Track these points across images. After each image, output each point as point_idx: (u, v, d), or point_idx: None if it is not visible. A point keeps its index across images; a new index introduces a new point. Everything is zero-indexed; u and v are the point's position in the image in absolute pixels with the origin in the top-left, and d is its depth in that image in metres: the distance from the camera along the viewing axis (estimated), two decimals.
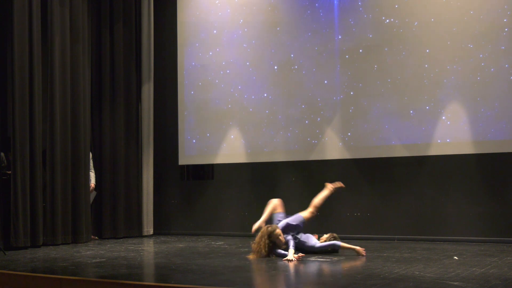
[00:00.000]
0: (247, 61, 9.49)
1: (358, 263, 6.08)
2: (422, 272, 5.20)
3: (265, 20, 9.38)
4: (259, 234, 6.56)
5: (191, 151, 9.91)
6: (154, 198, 9.88)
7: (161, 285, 4.81)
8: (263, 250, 6.42)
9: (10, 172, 7.88)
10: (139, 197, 9.71)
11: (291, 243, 6.45)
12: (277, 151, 9.20)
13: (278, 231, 6.50)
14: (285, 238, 6.54)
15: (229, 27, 9.67)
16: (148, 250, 7.74)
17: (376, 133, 8.49)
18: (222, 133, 9.62)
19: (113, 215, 9.34)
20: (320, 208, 7.11)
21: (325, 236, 6.90)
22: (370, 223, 8.46)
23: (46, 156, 8.32)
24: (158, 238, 9.40)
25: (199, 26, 9.93)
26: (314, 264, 5.99)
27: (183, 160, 9.97)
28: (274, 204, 7.08)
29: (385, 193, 8.44)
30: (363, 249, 6.54)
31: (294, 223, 6.75)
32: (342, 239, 6.88)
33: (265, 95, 9.32)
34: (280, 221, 6.83)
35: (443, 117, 8.11)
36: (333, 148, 8.77)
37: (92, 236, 9.01)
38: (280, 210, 7.04)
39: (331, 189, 7.17)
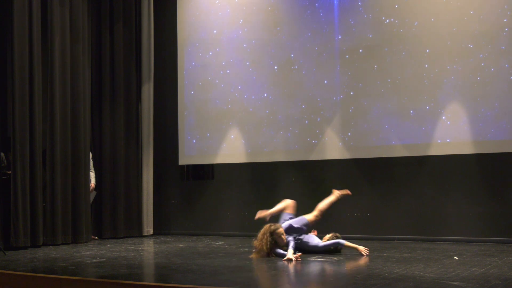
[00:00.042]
0: (247, 61, 9.49)
1: (358, 263, 6.08)
2: (422, 272, 5.20)
3: (265, 20, 9.38)
4: (262, 231, 6.59)
5: (191, 151, 9.91)
6: (154, 198, 9.88)
7: (161, 285, 4.82)
8: (264, 248, 6.44)
9: (10, 172, 7.88)
10: (139, 197, 9.71)
11: (292, 243, 6.46)
12: (277, 151, 9.20)
13: (281, 230, 6.52)
14: (286, 239, 6.55)
15: (229, 27, 9.67)
16: (148, 250, 7.74)
17: (376, 133, 8.49)
18: (222, 133, 9.62)
19: (113, 215, 9.34)
20: (325, 213, 7.11)
21: (328, 236, 6.90)
22: (370, 223, 8.46)
23: (46, 156, 8.32)
24: (158, 238, 9.41)
25: (199, 26, 9.93)
26: (314, 264, 5.99)
27: (183, 160, 9.97)
28: (287, 203, 7.13)
29: (385, 193, 8.44)
30: (367, 249, 6.56)
31: (296, 226, 6.76)
32: (343, 239, 6.87)
33: (265, 95, 9.32)
34: (285, 221, 6.85)
35: (443, 117, 8.11)
36: (333, 148, 8.77)
37: (92, 236, 9.01)
38: (290, 211, 7.07)
39: (338, 195, 7.20)
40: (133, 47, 9.81)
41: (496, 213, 7.77)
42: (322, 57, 8.92)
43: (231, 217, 9.53)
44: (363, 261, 6.18)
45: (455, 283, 4.61)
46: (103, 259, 6.55)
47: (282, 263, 6.06)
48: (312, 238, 6.79)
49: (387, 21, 8.51)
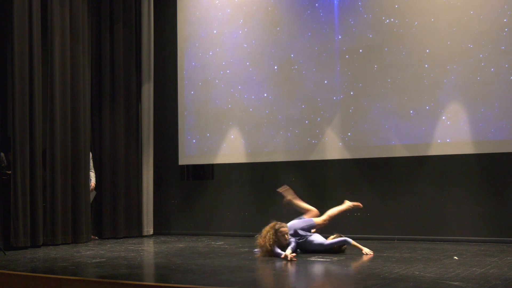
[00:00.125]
0: (247, 61, 9.49)
1: (359, 263, 6.08)
2: (422, 272, 5.20)
3: (265, 20, 9.38)
4: (266, 228, 6.63)
5: (191, 151, 9.91)
6: (154, 198, 9.88)
7: (161, 285, 4.81)
8: (267, 244, 6.45)
9: (10, 172, 7.88)
10: (139, 197, 9.71)
11: (292, 244, 6.49)
12: (277, 151, 9.20)
13: (285, 229, 6.55)
14: (289, 239, 6.56)
15: (229, 27, 9.67)
16: (148, 250, 7.74)
17: (376, 133, 8.49)
18: (222, 133, 9.62)
19: (113, 215, 9.34)
20: (333, 220, 7.17)
21: (332, 237, 6.92)
22: (370, 223, 8.46)
23: (46, 156, 8.32)
24: (158, 238, 9.41)
25: (199, 26, 9.93)
26: (314, 264, 5.99)
27: (183, 160, 9.97)
28: (312, 211, 7.16)
29: (385, 193, 8.44)
30: (372, 252, 6.59)
31: (302, 233, 6.78)
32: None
33: (265, 95, 9.32)
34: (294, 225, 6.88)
35: (443, 117, 8.11)
36: (333, 148, 8.77)
37: (92, 236, 9.01)
38: (308, 217, 7.08)
39: (350, 206, 7.24)
40: (133, 47, 9.81)
41: (496, 213, 7.77)
42: (322, 57, 8.92)
43: (231, 217, 9.54)
44: (363, 261, 6.18)
45: (455, 283, 4.61)
46: (103, 259, 6.55)
47: (282, 263, 6.06)
48: (317, 237, 6.82)
49: (387, 21, 8.51)
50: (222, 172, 9.66)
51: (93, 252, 7.37)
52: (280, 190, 7.40)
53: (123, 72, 9.63)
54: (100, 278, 5.24)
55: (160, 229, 9.95)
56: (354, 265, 5.97)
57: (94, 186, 9.10)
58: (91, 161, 9.10)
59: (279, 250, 6.41)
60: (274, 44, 9.29)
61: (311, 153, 8.94)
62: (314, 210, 7.20)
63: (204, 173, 9.86)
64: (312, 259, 6.31)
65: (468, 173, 7.98)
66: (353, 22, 8.73)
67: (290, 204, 7.34)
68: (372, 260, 6.18)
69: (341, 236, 6.84)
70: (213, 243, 8.35)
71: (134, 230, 9.56)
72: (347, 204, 7.24)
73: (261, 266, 6.01)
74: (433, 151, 8.15)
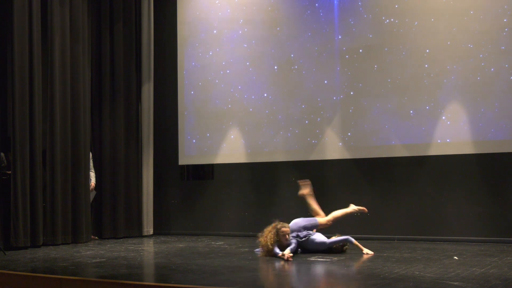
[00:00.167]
0: (247, 61, 9.49)
1: (358, 263, 6.08)
2: (422, 272, 5.20)
3: (265, 20, 9.38)
4: (269, 228, 6.65)
5: (191, 151, 9.91)
6: (154, 198, 9.88)
7: (161, 285, 4.82)
8: (269, 243, 6.47)
9: (10, 172, 7.88)
10: (139, 197, 9.71)
11: (292, 246, 6.51)
12: (277, 151, 9.20)
13: (286, 230, 6.58)
14: (290, 240, 6.57)
15: (229, 27, 9.67)
16: (148, 250, 7.74)
17: (376, 133, 8.49)
18: (222, 133, 9.62)
19: (113, 215, 9.34)
20: (337, 222, 7.20)
21: (333, 237, 6.93)
22: (370, 223, 8.46)
23: (46, 156, 8.32)
24: (158, 238, 9.40)
25: (199, 26, 9.93)
26: (314, 264, 5.99)
27: (183, 160, 9.97)
28: (320, 216, 7.16)
29: (385, 193, 8.45)
30: (372, 253, 6.60)
31: (304, 232, 6.79)
32: None
33: (265, 95, 9.32)
34: (298, 224, 6.90)
35: (443, 117, 8.11)
36: (333, 148, 8.77)
37: (92, 236, 9.01)
38: (317, 217, 7.10)
39: (355, 210, 7.27)
40: (133, 47, 9.81)
41: (496, 213, 7.77)
42: (322, 57, 8.92)
43: (231, 217, 9.54)
44: (363, 261, 6.18)
45: (455, 283, 4.61)
46: (103, 259, 6.55)
47: (282, 263, 6.06)
48: (319, 236, 6.84)
49: (387, 21, 8.51)
50: (222, 172, 9.66)
51: (93, 252, 7.37)
52: (300, 182, 7.38)
53: (123, 72, 9.63)
54: (100, 278, 5.24)
55: (160, 229, 9.95)
56: (354, 265, 5.97)
57: (94, 186, 9.10)
58: (91, 161, 9.10)
59: (277, 250, 6.42)
60: (274, 44, 9.29)
61: (311, 153, 8.94)
62: (322, 214, 7.23)
63: (204, 173, 9.86)
64: (312, 259, 6.31)
65: (468, 173, 7.98)
66: (353, 22, 8.73)
67: (304, 198, 7.33)
68: (372, 260, 6.18)
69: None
70: (213, 243, 8.35)
71: (134, 230, 9.56)
72: (352, 207, 7.27)
73: (261, 266, 6.01)
74: (433, 151, 8.15)
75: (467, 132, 7.96)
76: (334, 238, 6.77)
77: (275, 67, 9.26)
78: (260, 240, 6.64)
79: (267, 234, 6.56)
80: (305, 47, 9.03)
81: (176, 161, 10.02)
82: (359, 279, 5.13)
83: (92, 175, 9.11)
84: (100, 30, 9.54)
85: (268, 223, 6.83)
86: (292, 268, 5.78)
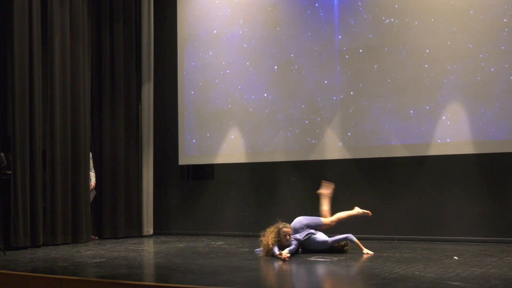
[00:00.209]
0: (247, 61, 9.49)
1: (358, 263, 6.08)
2: (422, 272, 5.20)
3: (265, 20, 9.38)
4: (271, 228, 6.67)
5: (191, 151, 9.91)
6: (154, 198, 9.88)
7: (161, 285, 4.82)
8: (269, 242, 6.50)
9: (10, 172, 7.88)
10: (139, 197, 9.71)
11: (292, 247, 6.53)
12: (277, 151, 9.20)
13: (287, 230, 6.59)
14: (290, 241, 6.58)
15: (229, 27, 9.67)
16: (148, 250, 7.74)
17: (376, 133, 8.49)
18: (222, 133, 9.62)
19: (113, 215, 9.34)
20: (340, 223, 7.21)
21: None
22: (370, 223, 8.45)
23: (46, 156, 8.32)
24: (158, 238, 9.40)
25: (199, 26, 9.93)
26: (315, 264, 5.99)
27: (183, 160, 9.97)
28: (327, 220, 7.16)
29: (385, 193, 8.45)
30: (372, 253, 6.61)
31: (306, 231, 6.80)
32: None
33: (265, 95, 9.32)
34: (302, 223, 6.92)
35: (443, 117, 8.11)
36: (333, 148, 8.77)
37: (92, 236, 9.01)
38: (322, 220, 7.11)
39: (359, 213, 7.28)
40: (133, 47, 9.81)
41: (496, 213, 7.77)
42: (322, 57, 8.92)
43: (231, 217, 9.54)
44: (363, 261, 6.18)
45: (455, 283, 4.61)
46: (103, 259, 6.55)
47: (278, 263, 6.07)
48: (321, 235, 6.87)
49: (387, 21, 8.51)
50: (222, 172, 9.66)
51: (93, 252, 7.37)
52: (325, 182, 7.39)
53: (123, 72, 9.63)
54: (100, 278, 5.24)
55: (160, 229, 9.95)
56: (354, 265, 5.97)
57: (94, 185, 9.10)
58: (91, 161, 9.10)
59: (276, 250, 6.43)
60: (274, 44, 9.29)
61: (311, 153, 8.94)
62: (328, 216, 7.21)
63: (204, 173, 9.86)
64: (312, 259, 6.32)
65: (468, 173, 7.98)
66: (353, 22, 8.73)
67: (320, 197, 7.37)
68: (372, 260, 6.18)
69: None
70: (213, 243, 8.35)
71: (134, 230, 9.56)
72: (356, 210, 7.29)
73: (261, 266, 6.01)
74: (433, 151, 8.15)
75: (467, 132, 7.96)
76: (335, 237, 6.79)
77: (275, 67, 9.26)
78: (261, 239, 6.65)
79: (269, 234, 6.58)
80: (305, 47, 9.03)
81: (176, 161, 10.02)
82: (359, 279, 5.13)
83: (92, 175, 9.11)
84: (100, 30, 9.54)
85: (268, 223, 6.83)
86: (292, 268, 5.79)
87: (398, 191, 8.38)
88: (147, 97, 9.91)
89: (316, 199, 8.59)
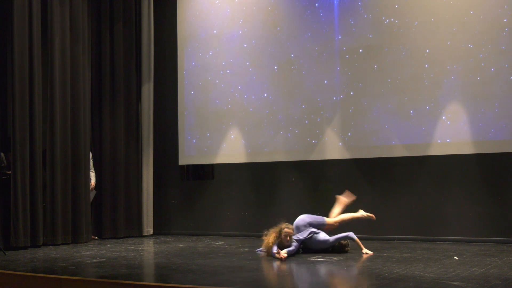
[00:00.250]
0: (247, 61, 9.49)
1: (358, 263, 6.08)
2: (422, 272, 5.20)
3: (265, 20, 9.38)
4: (275, 227, 6.68)
5: (191, 151, 9.91)
6: (154, 198, 9.88)
7: (161, 285, 4.82)
8: (270, 242, 6.52)
9: (10, 172, 7.88)
10: (139, 197, 9.71)
11: (291, 249, 6.54)
12: (277, 151, 9.20)
13: (288, 231, 6.60)
14: (291, 243, 6.58)
15: (229, 27, 9.67)
16: (148, 250, 7.74)
17: (376, 133, 8.49)
18: (222, 133, 9.62)
19: (113, 215, 9.34)
20: (342, 225, 7.21)
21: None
22: (370, 223, 8.43)
23: (46, 156, 8.32)
24: (158, 238, 9.40)
25: (199, 26, 9.93)
26: (315, 264, 5.99)
27: (183, 160, 9.97)
28: (330, 220, 7.15)
29: (385, 193, 8.44)
30: (372, 252, 6.63)
31: (309, 229, 6.82)
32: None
33: (265, 95, 9.32)
34: (305, 222, 6.93)
35: (443, 117, 8.11)
36: (333, 148, 8.77)
37: (92, 236, 9.01)
38: (327, 219, 7.12)
39: (363, 216, 7.26)
40: (133, 47, 9.81)
41: (496, 213, 7.77)
42: (322, 57, 8.92)
43: (231, 217, 9.53)
44: (363, 261, 6.18)
45: (455, 283, 4.61)
46: (103, 259, 6.55)
47: (282, 263, 6.07)
48: (323, 234, 6.89)
49: (387, 21, 8.51)
50: (222, 172, 9.66)
51: (93, 252, 7.37)
52: (349, 193, 7.36)
53: (123, 72, 9.63)
54: (100, 278, 5.24)
55: (160, 229, 9.95)
56: (354, 265, 5.97)
57: (94, 185, 9.10)
58: (91, 161, 9.10)
59: (275, 249, 6.43)
60: (274, 44, 9.29)
61: (311, 153, 8.94)
62: (333, 218, 7.20)
63: (204, 173, 9.86)
64: (312, 259, 6.32)
65: (468, 173, 7.98)
66: (353, 22, 8.73)
67: (337, 201, 7.36)
68: (372, 260, 6.18)
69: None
70: (213, 243, 8.35)
71: (134, 230, 9.56)
72: (361, 213, 7.28)
73: (261, 266, 6.01)
74: (433, 151, 8.15)
75: (467, 132, 7.96)
76: (336, 236, 6.80)
77: (275, 67, 9.26)
78: (263, 238, 6.67)
79: (271, 234, 6.60)
80: (305, 47, 9.03)
81: (176, 161, 10.02)
82: (359, 279, 5.13)
83: (92, 175, 9.12)
84: (100, 30, 9.54)
85: (268, 223, 6.85)
86: (292, 268, 5.79)
87: (398, 191, 8.38)
88: (147, 97, 9.91)
89: (316, 199, 8.62)
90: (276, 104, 9.22)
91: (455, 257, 6.21)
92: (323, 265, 5.91)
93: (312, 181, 8.95)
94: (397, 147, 8.37)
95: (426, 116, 8.20)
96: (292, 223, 6.85)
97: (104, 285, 5.01)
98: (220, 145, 9.63)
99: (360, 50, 8.65)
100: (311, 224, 6.93)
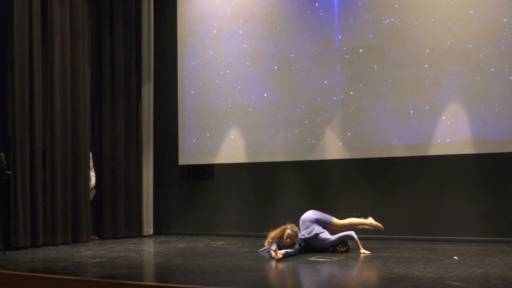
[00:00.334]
0: (247, 61, 9.49)
1: (358, 263, 6.08)
2: (422, 272, 5.20)
3: (265, 20, 9.38)
4: (281, 226, 6.71)
5: (191, 151, 9.91)
6: (154, 198, 9.88)
7: (161, 285, 4.82)
8: (271, 237, 6.57)
9: (10, 172, 7.88)
10: (139, 197, 9.70)
11: (290, 251, 6.54)
12: (277, 151, 9.20)
13: (291, 233, 6.60)
14: (291, 245, 6.60)
15: (229, 27, 9.67)
16: (148, 250, 7.74)
17: (376, 133, 8.49)
18: (222, 133, 9.62)
19: (113, 215, 9.34)
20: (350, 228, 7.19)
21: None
22: (365, 218, 8.45)
23: (46, 156, 8.32)
24: (158, 238, 9.40)
25: (199, 26, 9.93)
26: (314, 264, 5.99)
27: (183, 160, 9.97)
28: (338, 221, 7.15)
29: (385, 193, 8.44)
30: (369, 252, 6.65)
31: (313, 226, 6.87)
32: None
33: (265, 95, 9.32)
34: (311, 223, 6.94)
35: (443, 117, 8.11)
36: (333, 148, 8.77)
37: (92, 236, 9.01)
38: (334, 221, 7.11)
39: (372, 225, 7.23)
40: (133, 47, 9.81)
41: (496, 213, 7.77)
42: (322, 57, 8.92)
43: (231, 217, 9.53)
44: (363, 261, 6.18)
45: (455, 283, 4.61)
46: (103, 259, 6.55)
47: (282, 263, 6.07)
48: (326, 234, 6.90)
49: (387, 21, 8.51)
50: (222, 172, 9.66)
51: (93, 252, 7.37)
52: (378, 224, 7.27)
53: (123, 72, 9.63)
54: (100, 278, 5.24)
55: (160, 229, 9.95)
56: (354, 265, 5.97)
57: (94, 184, 9.11)
58: (91, 161, 9.10)
59: (274, 246, 6.44)
60: (274, 44, 9.29)
61: (311, 153, 8.94)
62: (341, 221, 7.20)
63: (204, 173, 9.86)
64: (312, 259, 6.32)
65: (468, 173, 7.98)
66: (353, 22, 8.73)
67: (365, 218, 7.32)
68: (372, 260, 6.18)
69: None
70: (213, 243, 8.35)
71: (134, 230, 9.56)
72: (370, 220, 7.26)
73: (261, 266, 6.01)
74: (433, 151, 8.15)
75: (467, 132, 7.96)
76: (338, 234, 6.81)
77: (275, 67, 9.26)
78: (269, 233, 6.70)
79: (278, 231, 6.65)
80: (305, 47, 9.03)
81: (176, 161, 10.02)
82: (359, 279, 5.12)
83: (92, 174, 9.12)
84: (100, 30, 9.54)
85: (268, 223, 6.89)
86: (292, 269, 5.79)
87: (398, 191, 8.37)
88: (147, 97, 9.91)
89: (316, 199, 8.61)
90: (276, 104, 9.22)
91: (455, 257, 6.21)
92: (323, 265, 5.91)
93: (312, 181, 8.95)
94: (397, 147, 8.37)
95: (426, 116, 8.20)
96: (293, 223, 6.84)
97: (104, 285, 5.01)
98: (220, 145, 9.63)
99: (360, 50, 8.65)
100: (317, 221, 6.94)
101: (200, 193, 9.85)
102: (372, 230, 7.28)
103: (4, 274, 5.62)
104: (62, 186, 8.43)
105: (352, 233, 6.83)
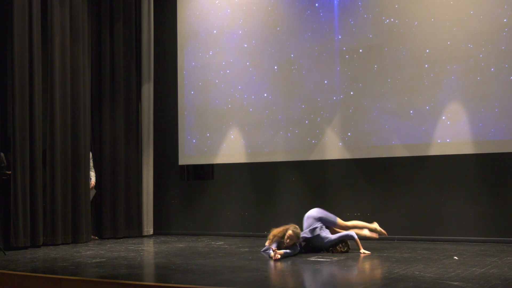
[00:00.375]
0: (247, 61, 9.49)
1: (358, 263, 6.08)
2: (422, 272, 5.20)
3: (265, 20, 9.38)
4: (284, 226, 6.70)
5: (191, 151, 9.91)
6: (154, 198, 9.88)
7: (161, 285, 4.82)
8: (273, 234, 6.58)
9: (10, 172, 7.88)
10: (139, 197, 9.71)
11: (289, 251, 6.54)
12: (277, 151, 9.20)
13: (292, 235, 6.58)
14: (291, 246, 6.59)
15: (229, 27, 9.67)
16: (148, 250, 7.74)
17: (376, 133, 8.49)
18: (222, 133, 9.62)
19: (113, 215, 9.34)
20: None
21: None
22: (370, 223, 8.45)
23: (46, 156, 8.32)
24: (158, 238, 9.40)
25: (199, 26, 9.93)
26: (314, 264, 5.99)
27: (183, 160, 9.97)
28: (342, 222, 7.14)
29: (385, 193, 8.44)
30: (369, 252, 6.65)
31: (316, 224, 6.88)
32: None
33: (265, 95, 9.32)
34: (316, 223, 6.94)
35: (443, 117, 8.11)
36: (333, 148, 8.77)
37: (92, 236, 9.01)
38: (339, 221, 7.10)
39: (375, 229, 7.22)
40: (133, 47, 9.81)
41: (496, 213, 7.77)
42: (322, 57, 8.92)
43: (231, 217, 9.53)
44: (363, 261, 6.18)
45: (455, 283, 4.61)
46: (103, 259, 6.55)
47: (282, 263, 6.07)
48: (327, 233, 6.90)
49: (387, 21, 8.51)
50: (222, 172, 9.66)
51: (93, 252, 7.37)
52: (382, 230, 7.27)
53: (123, 72, 9.63)
54: (100, 278, 5.24)
55: (160, 229, 9.95)
56: (354, 265, 5.97)
57: (94, 184, 9.11)
58: (91, 161, 9.10)
59: (274, 245, 6.44)
60: (274, 44, 9.29)
61: (311, 153, 8.94)
62: (345, 222, 7.20)
63: (204, 173, 9.86)
64: (312, 259, 6.32)
65: (468, 173, 7.98)
66: (353, 22, 8.73)
67: (372, 228, 7.29)
68: (372, 260, 6.18)
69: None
70: (213, 243, 8.35)
71: (134, 230, 9.56)
72: (375, 225, 7.26)
73: (261, 266, 6.01)
74: (433, 151, 8.15)
75: (467, 132, 7.96)
76: (338, 234, 6.81)
77: (275, 67, 9.26)
78: (272, 231, 6.71)
79: (280, 230, 6.65)
80: (305, 47, 9.03)
81: (176, 161, 10.02)
82: (359, 279, 5.12)
83: (92, 174, 9.12)
84: (100, 30, 9.54)
85: (268, 223, 6.88)
86: (292, 269, 5.78)
87: (398, 191, 8.37)
88: (147, 97, 9.91)
89: (316, 199, 8.61)
90: (276, 104, 9.22)
91: (455, 257, 6.21)
92: (323, 265, 5.91)
93: (312, 181, 8.95)
94: (397, 147, 8.37)
95: (426, 116, 8.20)
96: (293, 223, 6.84)
97: (104, 285, 5.01)
98: (220, 145, 9.63)
99: (360, 50, 8.65)
100: (321, 219, 6.94)
101: (200, 193, 9.85)
102: (374, 237, 7.23)
103: (4, 274, 5.62)
104: (62, 186, 8.43)
105: (353, 233, 6.83)
